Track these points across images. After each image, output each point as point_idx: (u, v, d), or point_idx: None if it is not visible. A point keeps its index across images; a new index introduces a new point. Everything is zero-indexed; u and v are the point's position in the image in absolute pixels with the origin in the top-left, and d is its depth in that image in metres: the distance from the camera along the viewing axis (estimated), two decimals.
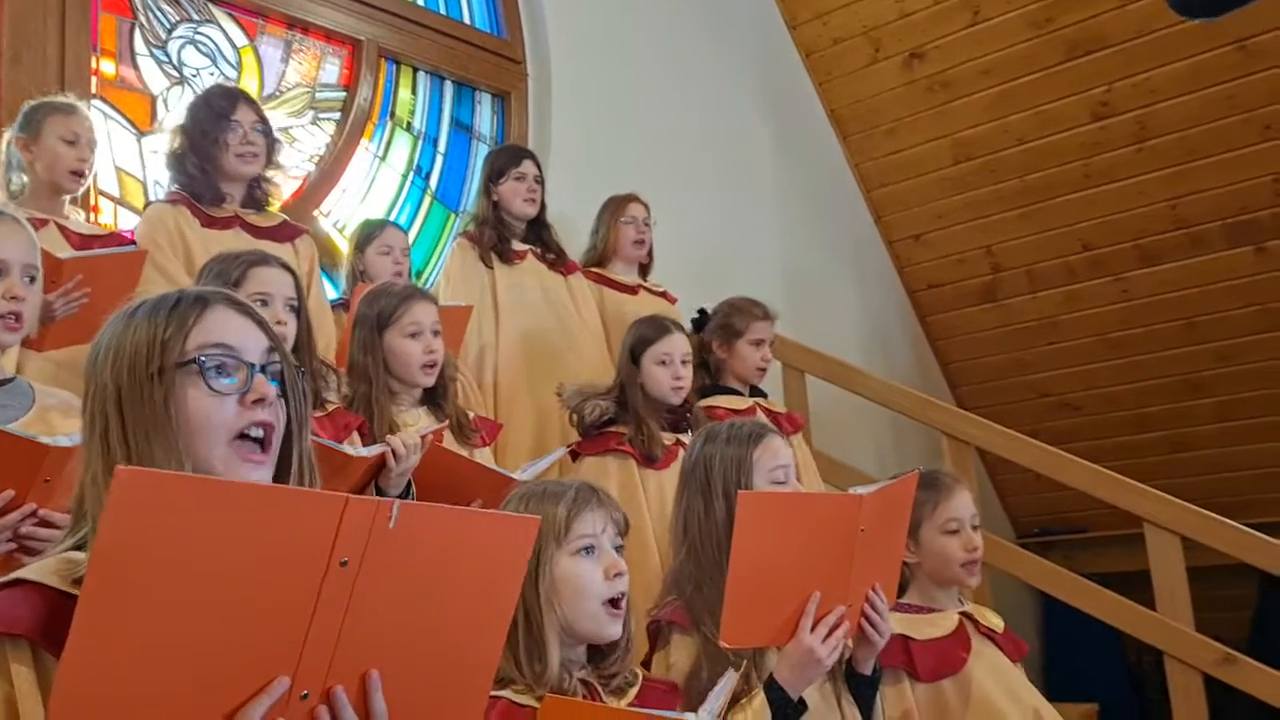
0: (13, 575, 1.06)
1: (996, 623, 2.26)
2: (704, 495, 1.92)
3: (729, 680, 1.51)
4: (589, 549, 1.58)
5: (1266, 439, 5.23)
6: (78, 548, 1.10)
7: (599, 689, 1.57)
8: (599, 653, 1.61)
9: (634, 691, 1.60)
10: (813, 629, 1.70)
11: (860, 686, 1.94)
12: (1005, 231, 5.36)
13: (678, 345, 2.81)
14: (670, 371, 2.76)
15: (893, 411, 4.45)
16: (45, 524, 1.58)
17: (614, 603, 1.57)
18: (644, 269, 3.78)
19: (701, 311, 3.33)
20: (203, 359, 1.12)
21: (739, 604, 1.65)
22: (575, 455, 2.75)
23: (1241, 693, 3.49)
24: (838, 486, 3.99)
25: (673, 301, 3.74)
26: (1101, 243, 5.17)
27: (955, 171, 5.34)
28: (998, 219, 5.35)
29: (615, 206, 3.72)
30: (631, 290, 3.67)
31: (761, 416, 3.20)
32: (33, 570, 1.06)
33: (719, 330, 3.30)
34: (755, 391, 3.38)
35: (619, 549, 1.62)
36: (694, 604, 1.84)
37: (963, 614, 2.21)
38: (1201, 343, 5.16)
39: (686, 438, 2.77)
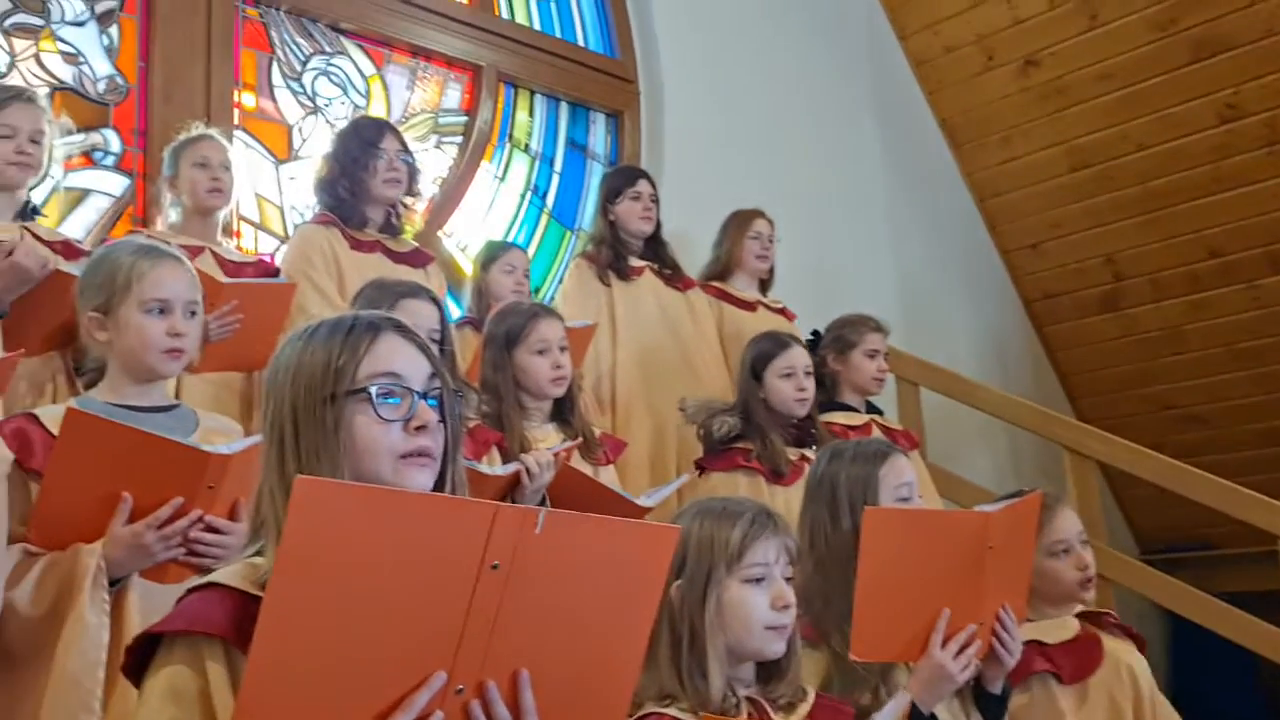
0: (206, 579, 1.17)
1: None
2: (830, 510, 1.94)
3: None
4: (760, 579, 1.58)
5: None
6: (258, 554, 1.19)
7: (766, 707, 1.59)
8: (765, 670, 1.63)
9: (805, 708, 1.62)
10: (944, 646, 1.72)
11: (989, 705, 1.95)
12: (1126, 239, 5.22)
13: (799, 358, 2.86)
14: (794, 384, 2.82)
15: (1010, 426, 4.38)
16: (210, 529, 1.69)
17: (778, 627, 1.59)
18: (764, 284, 3.81)
19: (815, 332, 3.36)
20: (372, 388, 1.19)
21: (868, 618, 1.68)
22: (702, 470, 2.79)
23: None
24: (955, 502, 3.96)
25: (791, 319, 3.76)
26: (1231, 249, 5.00)
27: (1072, 179, 5.23)
28: (1117, 227, 5.23)
29: (741, 220, 3.76)
30: (750, 306, 3.70)
31: (877, 433, 3.20)
32: (222, 575, 1.17)
33: (833, 343, 3.32)
34: (871, 408, 3.38)
35: (789, 579, 1.62)
36: (822, 619, 1.86)
37: (1078, 615, 2.23)
38: None
39: (811, 453, 2.79)
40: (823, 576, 1.89)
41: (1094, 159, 5.15)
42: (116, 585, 1.67)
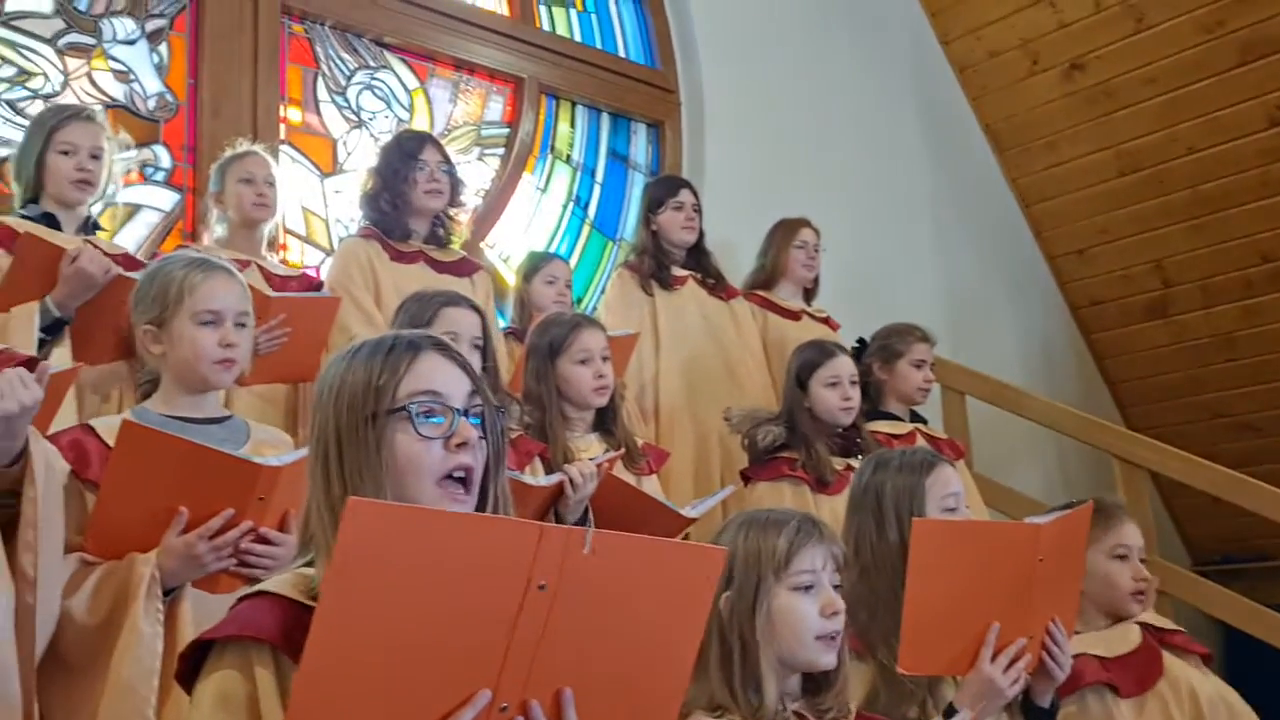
0: (256, 588, 1.19)
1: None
2: (876, 520, 1.92)
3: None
4: (809, 586, 1.58)
5: None
6: (308, 565, 1.21)
7: None
8: (813, 684, 1.63)
9: None
10: (993, 659, 1.70)
11: (1038, 719, 1.92)
12: (1175, 245, 5.14)
13: (844, 367, 2.85)
14: (839, 393, 2.81)
15: (1059, 435, 4.33)
16: (261, 540, 1.72)
17: (829, 636, 1.59)
18: (808, 293, 3.80)
19: (861, 340, 3.34)
20: (412, 406, 1.20)
21: (916, 631, 1.66)
22: (747, 480, 2.79)
23: None
24: (1002, 513, 3.92)
25: (835, 328, 3.74)
26: None
27: (1120, 184, 5.16)
28: (1166, 232, 5.15)
29: (787, 229, 3.76)
30: (794, 316, 3.69)
31: (922, 442, 3.18)
32: (273, 584, 1.18)
33: (879, 352, 3.31)
34: (915, 417, 3.36)
35: (836, 587, 1.62)
36: (868, 631, 1.85)
37: (1139, 623, 2.20)
38: None
39: (857, 462, 2.77)
40: (868, 587, 1.87)
41: (1142, 163, 5.07)
42: (170, 595, 1.69)
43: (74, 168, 2.46)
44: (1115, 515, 2.23)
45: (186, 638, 1.59)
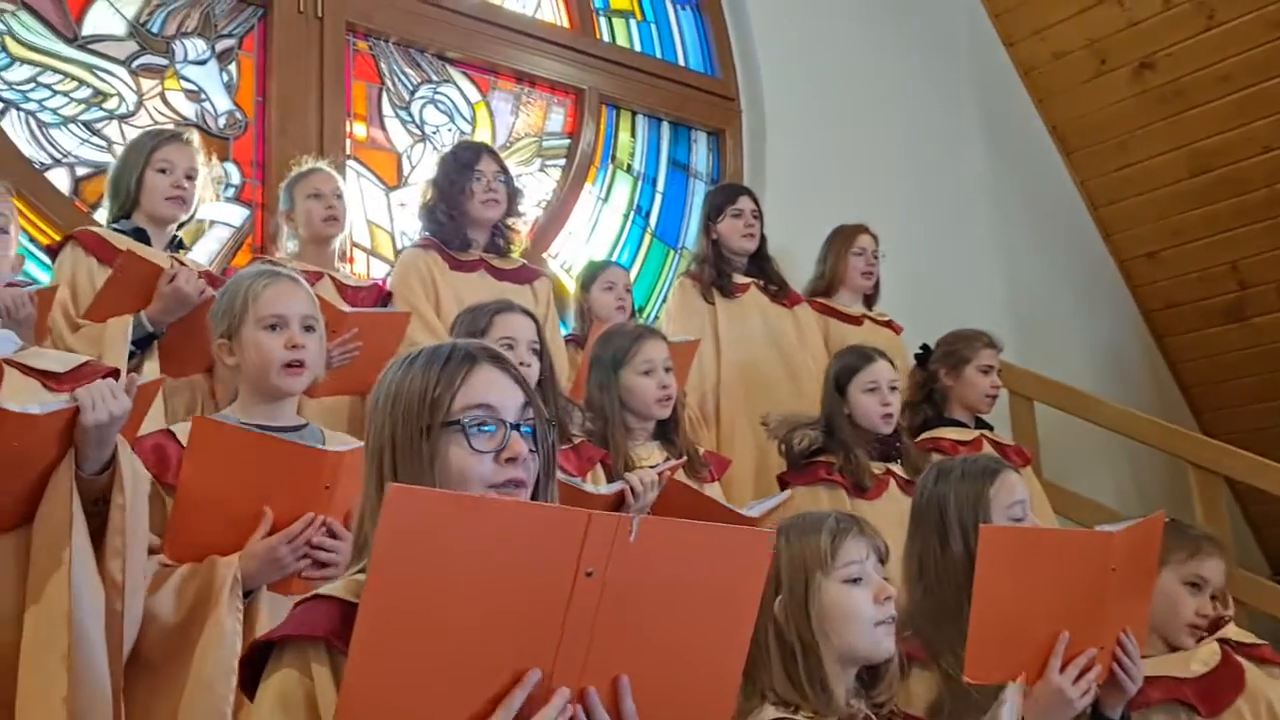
0: (311, 593, 1.22)
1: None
2: (940, 534, 1.91)
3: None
4: (857, 579, 1.60)
5: None
6: (362, 570, 1.22)
7: (872, 717, 1.60)
8: (867, 677, 1.63)
9: None
10: (1062, 669, 1.67)
11: None
12: (1251, 245, 5.02)
13: (883, 372, 2.81)
14: (878, 398, 2.78)
15: (1131, 440, 4.24)
16: (331, 534, 1.75)
17: (885, 622, 1.60)
18: (869, 299, 3.77)
19: (925, 347, 3.30)
20: (466, 420, 1.22)
21: (982, 639, 1.64)
22: (784, 484, 2.77)
23: None
24: (1073, 521, 3.85)
25: (898, 332, 3.72)
26: None
27: (1193, 184, 5.05)
28: (1241, 232, 5.03)
29: (845, 237, 3.74)
30: (856, 321, 3.67)
31: (988, 448, 3.13)
32: (328, 588, 1.21)
33: (945, 358, 3.27)
34: (980, 423, 3.31)
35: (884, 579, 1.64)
36: (933, 640, 1.83)
37: (1219, 640, 2.14)
38: None
39: (896, 467, 2.74)
40: (933, 601, 1.86)
41: (1215, 163, 4.96)
42: (248, 597, 1.74)
43: (170, 185, 2.58)
44: (1204, 546, 2.19)
45: None
